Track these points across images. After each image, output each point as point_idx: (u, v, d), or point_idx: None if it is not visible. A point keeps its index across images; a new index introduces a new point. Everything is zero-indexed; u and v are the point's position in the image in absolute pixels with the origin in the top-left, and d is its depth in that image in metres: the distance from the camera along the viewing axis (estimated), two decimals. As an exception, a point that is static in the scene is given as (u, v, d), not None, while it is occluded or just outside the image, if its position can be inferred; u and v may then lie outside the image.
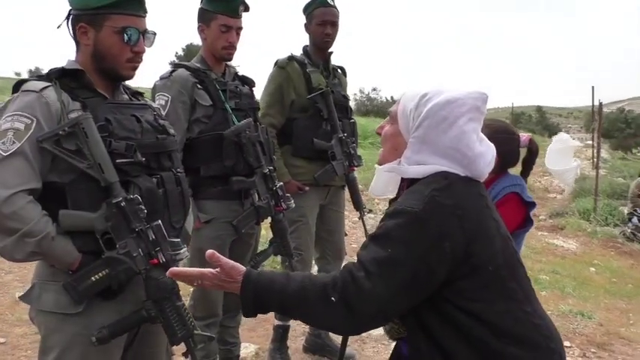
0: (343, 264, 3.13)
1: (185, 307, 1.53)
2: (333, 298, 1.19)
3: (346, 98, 3.06)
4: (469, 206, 1.25)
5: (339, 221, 3.15)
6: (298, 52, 2.98)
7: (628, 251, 6.66)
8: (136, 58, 1.59)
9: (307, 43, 2.99)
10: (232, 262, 1.26)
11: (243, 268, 1.26)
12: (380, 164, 1.43)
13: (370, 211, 6.59)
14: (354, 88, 33.25)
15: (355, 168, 2.99)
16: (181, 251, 1.54)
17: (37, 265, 1.58)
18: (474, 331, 1.22)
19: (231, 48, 2.35)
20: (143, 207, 1.48)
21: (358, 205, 3.13)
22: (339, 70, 3.13)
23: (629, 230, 7.11)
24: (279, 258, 3.18)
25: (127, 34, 1.54)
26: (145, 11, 1.60)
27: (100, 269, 1.44)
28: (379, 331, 3.56)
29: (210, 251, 1.24)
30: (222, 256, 1.25)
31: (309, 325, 1.32)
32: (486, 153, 1.32)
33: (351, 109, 3.12)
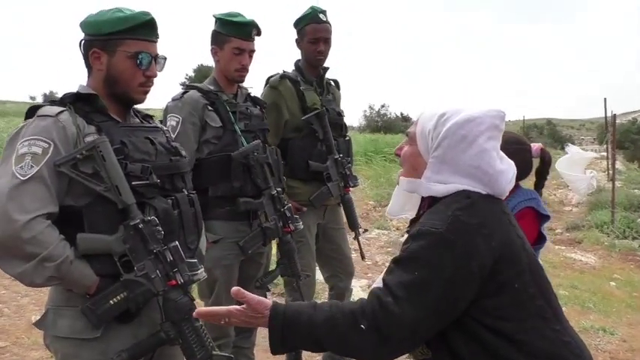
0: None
1: (203, 328, 1.52)
2: (362, 326, 1.18)
3: (341, 115, 3.01)
4: (493, 224, 1.24)
5: (343, 237, 3.13)
6: (290, 68, 2.92)
7: (648, 264, 6.53)
8: (148, 83, 1.62)
9: (299, 57, 2.92)
10: (258, 297, 1.25)
11: (269, 302, 1.25)
12: (399, 184, 1.42)
13: (365, 230, 6.58)
14: (364, 104, 33.37)
15: (350, 189, 2.97)
16: (199, 272, 1.54)
17: (50, 291, 1.58)
18: (501, 350, 1.20)
19: (243, 70, 2.39)
20: (160, 228, 1.48)
21: (354, 226, 3.10)
22: (332, 84, 3.08)
23: (648, 243, 6.98)
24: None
25: (139, 59, 1.56)
26: (157, 36, 1.63)
27: (119, 292, 1.44)
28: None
29: (235, 288, 1.24)
30: (247, 292, 1.24)
31: (340, 355, 1.28)
32: (507, 171, 1.31)
33: (345, 126, 3.08)
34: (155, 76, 1.64)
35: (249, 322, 1.26)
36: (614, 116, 10.57)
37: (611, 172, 10.22)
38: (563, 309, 3.66)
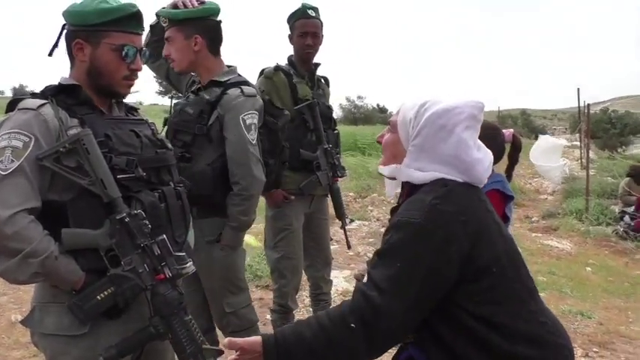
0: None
1: (193, 322, 1.51)
2: (352, 325, 1.20)
3: (330, 109, 3.10)
4: (470, 211, 1.27)
5: (325, 228, 3.20)
6: (283, 62, 2.99)
7: (622, 249, 6.71)
8: (133, 76, 1.59)
9: (292, 53, 3.01)
10: (247, 338, 1.29)
11: (259, 339, 1.28)
12: (380, 171, 1.46)
13: (352, 220, 6.66)
14: (341, 97, 33.42)
15: (339, 178, 3.02)
16: (187, 265, 1.51)
17: (36, 288, 1.54)
18: (480, 333, 1.23)
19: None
20: (147, 222, 1.46)
21: (340, 215, 3.17)
22: (322, 81, 3.15)
23: (621, 229, 7.16)
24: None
25: (124, 52, 1.53)
26: (143, 29, 1.61)
27: (106, 287, 1.41)
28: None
29: (226, 340, 1.31)
30: (237, 339, 1.29)
31: None
32: (484, 159, 1.34)
33: (334, 119, 3.16)
34: (140, 69, 1.60)
35: None
36: (588, 106, 10.79)
37: (584, 160, 10.44)
38: (542, 295, 3.77)
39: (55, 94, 1.50)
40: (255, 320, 2.41)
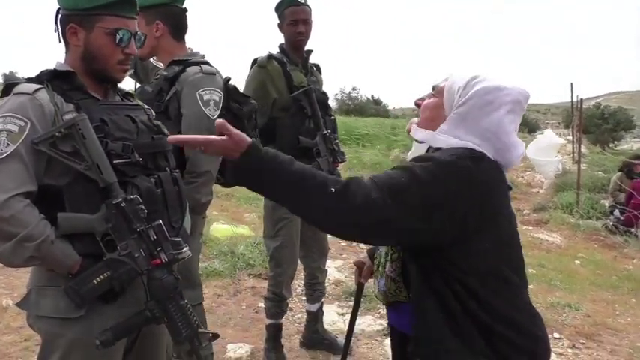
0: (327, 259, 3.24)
1: (189, 306, 1.52)
2: (332, 189, 1.19)
3: (325, 95, 3.08)
4: (491, 184, 1.28)
5: None
6: (275, 51, 2.97)
7: (610, 243, 6.79)
8: (127, 60, 1.58)
9: (282, 41, 2.98)
10: (242, 133, 1.26)
11: (250, 139, 1.26)
12: (410, 131, 1.45)
13: None
14: (335, 88, 33.33)
15: (339, 164, 3.01)
16: (183, 250, 1.53)
17: (32, 271, 1.55)
18: (468, 304, 1.25)
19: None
20: (143, 207, 1.47)
21: None
22: (314, 68, 3.13)
23: (610, 223, 7.24)
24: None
25: (118, 36, 1.53)
26: (137, 13, 1.60)
27: (102, 271, 1.43)
28: (373, 328, 3.58)
29: (220, 121, 1.24)
30: (231, 127, 1.25)
31: (295, 214, 1.33)
32: (521, 146, 1.36)
33: (330, 106, 3.15)
34: (134, 54, 1.60)
35: (225, 153, 1.25)
36: (581, 101, 10.84)
37: (576, 155, 10.51)
38: (531, 286, 3.79)
39: (50, 79, 1.50)
40: (204, 325, 2.27)
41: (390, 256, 1.45)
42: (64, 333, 1.46)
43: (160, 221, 1.50)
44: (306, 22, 2.89)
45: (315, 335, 3.26)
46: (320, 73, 3.19)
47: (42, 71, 1.53)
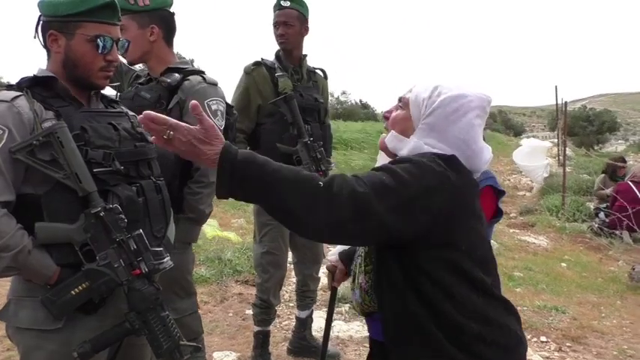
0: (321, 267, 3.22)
1: (170, 318, 1.50)
2: (320, 183, 1.16)
3: (317, 101, 3.01)
4: (461, 183, 1.29)
5: None
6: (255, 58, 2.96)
7: (596, 246, 6.85)
8: (109, 67, 1.56)
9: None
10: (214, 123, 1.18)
11: (221, 135, 1.17)
12: (382, 148, 1.46)
13: None
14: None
15: (323, 172, 2.95)
16: (164, 260, 1.50)
17: (12, 281, 1.52)
18: (438, 302, 1.24)
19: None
20: (123, 216, 1.45)
21: None
22: (319, 72, 3.11)
23: (596, 225, 7.30)
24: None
25: (99, 43, 1.50)
26: (119, 19, 1.58)
27: (80, 282, 1.40)
28: (361, 334, 3.57)
29: (194, 102, 1.15)
30: (204, 113, 1.16)
31: (280, 215, 1.20)
32: (488, 150, 1.39)
33: (324, 111, 3.09)
34: (116, 60, 1.58)
35: (194, 145, 1.14)
36: (566, 104, 10.94)
37: (562, 158, 10.60)
38: (519, 290, 3.81)
39: (30, 85, 1.47)
40: (200, 332, 2.25)
41: (363, 268, 1.45)
42: (42, 345, 1.43)
43: (141, 231, 1.47)
44: (287, 25, 2.86)
45: (302, 342, 3.24)
46: (326, 78, 3.16)
47: (22, 78, 1.51)
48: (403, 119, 1.41)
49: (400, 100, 1.45)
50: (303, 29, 2.93)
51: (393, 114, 1.46)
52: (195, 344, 1.58)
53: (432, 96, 1.35)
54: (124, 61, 2.25)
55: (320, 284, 4.40)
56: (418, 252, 1.26)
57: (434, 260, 1.25)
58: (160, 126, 1.15)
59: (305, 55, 3.00)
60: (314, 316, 3.34)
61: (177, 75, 2.09)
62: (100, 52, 1.51)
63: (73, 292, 1.39)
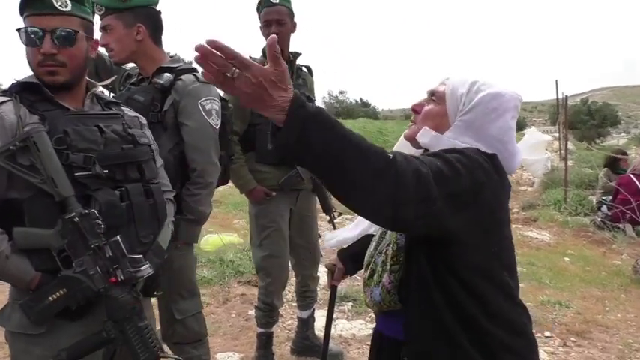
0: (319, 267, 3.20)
1: (149, 328, 1.44)
2: (390, 155, 1.06)
3: (310, 99, 3.00)
4: (502, 185, 1.27)
5: (311, 225, 3.13)
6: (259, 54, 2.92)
7: (599, 239, 6.81)
8: (46, 61, 1.45)
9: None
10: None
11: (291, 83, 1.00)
12: (409, 139, 1.39)
13: (341, 214, 6.39)
14: (323, 91, 33.40)
15: None
16: (142, 268, 1.44)
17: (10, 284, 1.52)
18: (467, 305, 1.22)
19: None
20: (100, 222, 1.40)
21: (327, 209, 3.13)
22: (304, 70, 3.08)
23: (598, 219, 7.27)
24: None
25: (22, 37, 1.46)
26: (53, 8, 1.44)
27: (57, 289, 1.38)
28: (364, 332, 3.56)
29: (273, 36, 0.95)
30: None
31: (340, 186, 1.04)
32: (520, 152, 1.36)
33: None
34: (49, 52, 1.44)
35: (263, 89, 0.95)
36: (566, 98, 10.90)
37: (563, 152, 10.57)
38: (522, 285, 3.82)
39: (18, 90, 1.47)
40: (204, 334, 2.25)
41: (389, 267, 1.42)
42: (30, 350, 1.44)
43: (118, 237, 1.42)
44: (280, 23, 2.79)
45: (305, 342, 3.23)
46: (311, 74, 3.12)
47: (12, 83, 1.50)
48: (438, 114, 1.35)
49: (433, 93, 1.38)
50: (292, 26, 2.88)
51: (426, 108, 1.39)
52: (176, 356, 1.55)
53: (470, 92, 1.30)
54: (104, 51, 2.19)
55: (321, 283, 4.42)
56: (451, 251, 1.23)
57: (465, 261, 1.23)
58: (225, 60, 0.93)
59: (299, 54, 2.96)
60: (316, 315, 3.34)
61: (168, 75, 2.05)
62: (25, 44, 1.46)
63: (50, 298, 1.37)
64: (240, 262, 4.78)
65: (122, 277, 1.41)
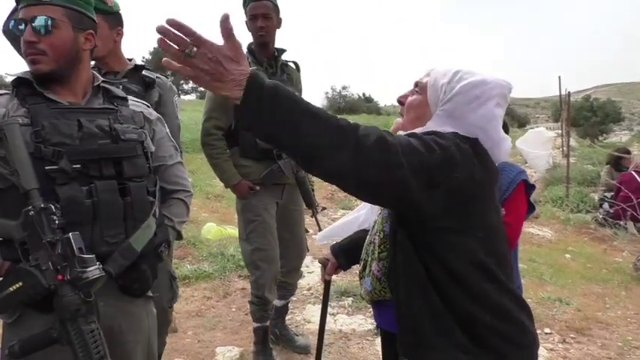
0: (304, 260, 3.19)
1: (94, 332, 1.37)
2: (350, 122, 1.08)
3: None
4: (484, 169, 1.24)
5: (297, 219, 3.15)
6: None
7: (600, 236, 6.81)
8: (28, 49, 1.46)
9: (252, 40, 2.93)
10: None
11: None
12: (395, 132, 1.39)
13: (324, 208, 6.34)
14: (326, 86, 33.42)
15: None
16: (88, 269, 1.35)
17: None
18: (449, 287, 1.22)
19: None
20: (56, 217, 1.37)
21: (310, 203, 3.12)
22: (291, 65, 3.07)
23: (600, 216, 7.26)
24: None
25: (10, 26, 1.51)
26: None
27: (16, 281, 1.36)
28: (364, 327, 3.56)
29: (226, 13, 0.99)
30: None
31: (302, 149, 1.06)
32: (507, 140, 1.34)
33: None
34: (27, 40, 1.45)
35: (219, 64, 0.99)
36: (569, 94, 10.87)
37: (566, 149, 10.55)
38: (523, 282, 3.81)
39: (17, 84, 1.50)
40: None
41: (377, 255, 1.42)
42: (9, 338, 1.46)
43: (70, 235, 1.37)
44: (267, 17, 2.80)
45: (273, 329, 3.25)
46: (298, 70, 3.11)
47: (14, 77, 1.51)
48: (420, 105, 1.36)
49: (417, 84, 1.39)
50: (278, 21, 2.89)
51: (409, 99, 1.40)
52: None
53: (451, 81, 1.29)
54: None
55: (316, 278, 4.42)
56: (434, 236, 1.22)
57: (449, 246, 1.22)
58: (183, 39, 0.98)
59: (283, 50, 2.95)
60: (312, 309, 3.34)
61: (149, 73, 2.30)
62: (18, 36, 1.49)
63: (11, 288, 1.35)
64: (241, 257, 4.78)
65: (68, 277, 1.35)
